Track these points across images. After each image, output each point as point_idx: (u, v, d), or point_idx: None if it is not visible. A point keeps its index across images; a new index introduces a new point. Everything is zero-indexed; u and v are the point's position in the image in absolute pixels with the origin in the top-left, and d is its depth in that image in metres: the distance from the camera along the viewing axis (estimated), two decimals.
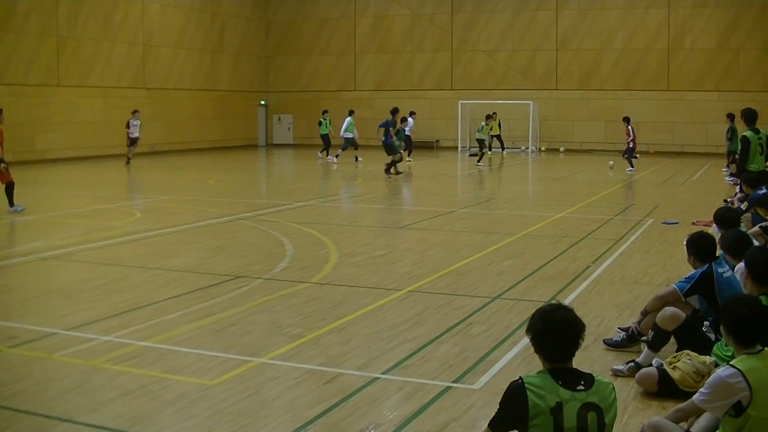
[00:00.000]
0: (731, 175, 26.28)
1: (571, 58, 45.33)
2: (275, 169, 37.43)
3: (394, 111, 31.01)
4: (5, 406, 7.10)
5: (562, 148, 45.15)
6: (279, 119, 52.11)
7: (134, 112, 35.49)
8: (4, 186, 19.36)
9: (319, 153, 38.43)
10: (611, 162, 33.68)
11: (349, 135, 36.40)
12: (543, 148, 45.47)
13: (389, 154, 29.72)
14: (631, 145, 31.84)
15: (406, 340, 8.97)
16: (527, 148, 45.17)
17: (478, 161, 36.15)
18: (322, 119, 38.77)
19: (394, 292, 11.35)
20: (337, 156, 36.37)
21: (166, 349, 8.67)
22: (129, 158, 35.11)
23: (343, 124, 36.92)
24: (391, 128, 30.14)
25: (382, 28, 49.37)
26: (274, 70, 52.23)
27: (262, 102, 51.87)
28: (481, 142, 37.45)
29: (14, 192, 19.42)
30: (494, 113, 41.04)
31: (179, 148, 43.34)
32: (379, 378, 7.78)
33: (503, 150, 43.11)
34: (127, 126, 35.10)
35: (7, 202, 19.34)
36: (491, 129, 40.54)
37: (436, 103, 46.73)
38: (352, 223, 18.33)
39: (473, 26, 47.16)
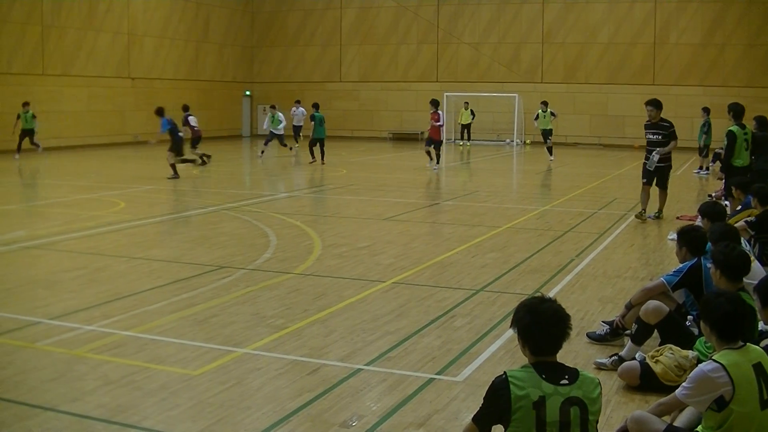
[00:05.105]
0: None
1: (556, 51, 45.36)
2: (259, 159, 37.30)
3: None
4: None
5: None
6: (264, 110, 51.93)
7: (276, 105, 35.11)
8: None
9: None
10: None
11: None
12: (527, 141, 45.50)
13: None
14: (438, 136, 29.70)
15: (388, 332, 8.97)
16: (512, 141, 45.22)
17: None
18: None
19: (377, 284, 11.35)
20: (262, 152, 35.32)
21: (149, 339, 8.66)
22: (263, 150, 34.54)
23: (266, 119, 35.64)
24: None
25: (368, 20, 49.29)
26: (258, 61, 52.11)
27: (247, 92, 51.75)
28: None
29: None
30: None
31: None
32: (361, 369, 7.78)
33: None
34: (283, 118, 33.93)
35: None
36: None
37: (422, 95, 46.55)
38: (335, 214, 18.30)
39: (458, 18, 47.12)
